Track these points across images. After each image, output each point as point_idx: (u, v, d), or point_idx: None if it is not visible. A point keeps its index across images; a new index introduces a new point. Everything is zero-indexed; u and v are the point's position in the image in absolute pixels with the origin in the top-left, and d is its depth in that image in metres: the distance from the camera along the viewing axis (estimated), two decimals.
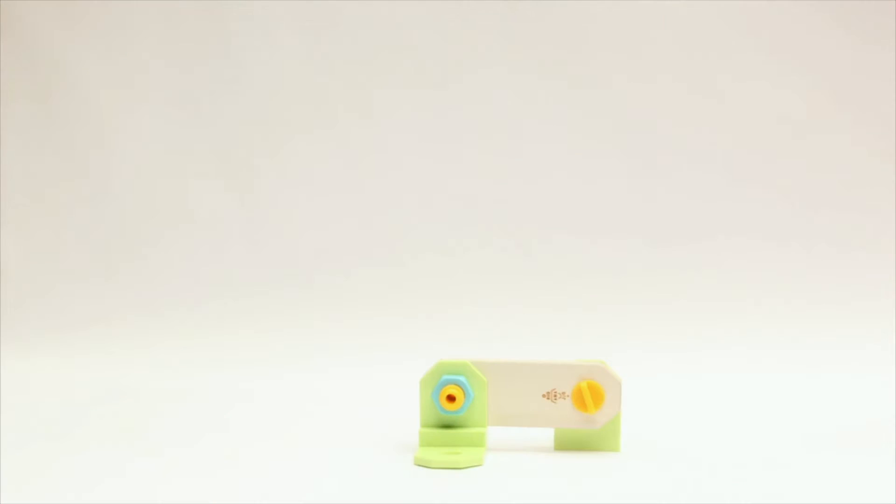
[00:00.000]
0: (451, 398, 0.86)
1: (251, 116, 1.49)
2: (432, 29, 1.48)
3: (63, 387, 1.11)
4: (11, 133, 1.47)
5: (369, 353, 1.25)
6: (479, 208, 1.45)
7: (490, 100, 1.48)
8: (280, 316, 1.38)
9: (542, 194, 1.46)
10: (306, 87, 1.48)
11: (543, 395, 0.86)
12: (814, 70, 1.43)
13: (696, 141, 1.45)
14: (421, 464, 0.83)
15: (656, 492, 0.78)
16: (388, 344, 1.28)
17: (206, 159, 1.49)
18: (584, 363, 0.85)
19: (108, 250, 1.45)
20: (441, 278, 1.41)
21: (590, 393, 0.85)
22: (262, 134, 1.49)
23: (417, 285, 1.39)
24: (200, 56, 1.49)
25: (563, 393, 0.86)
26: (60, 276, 1.43)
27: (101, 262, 1.44)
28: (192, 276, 1.43)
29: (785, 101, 1.44)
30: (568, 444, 0.87)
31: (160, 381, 1.13)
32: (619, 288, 1.36)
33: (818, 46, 1.44)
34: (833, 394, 1.11)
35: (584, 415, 0.86)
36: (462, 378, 0.86)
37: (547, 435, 0.89)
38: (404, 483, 0.80)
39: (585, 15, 1.46)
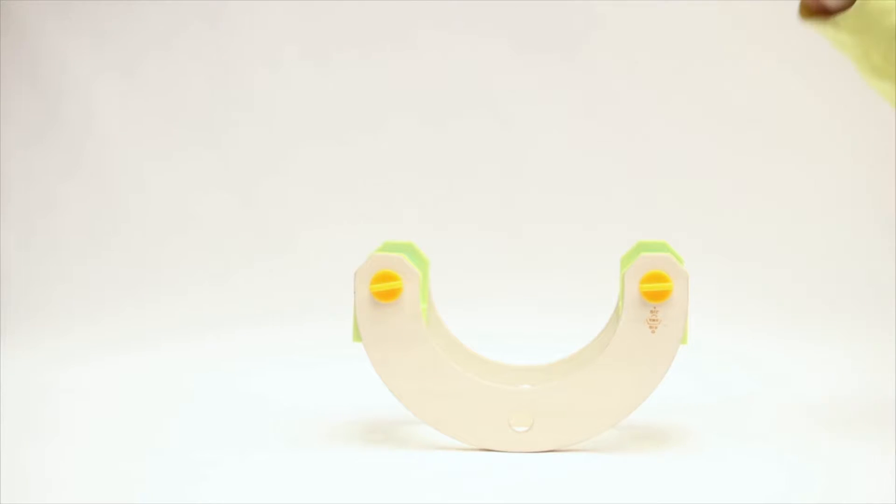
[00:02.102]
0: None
1: (253, 117, 1.50)
2: (435, 34, 1.49)
3: (63, 387, 1.11)
4: (11, 133, 1.48)
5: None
6: (476, 208, 1.46)
7: (493, 101, 1.48)
8: (281, 317, 1.37)
9: (541, 193, 1.47)
10: (308, 92, 1.49)
11: None
12: (817, 70, 1.44)
13: (695, 140, 1.46)
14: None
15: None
16: None
17: (208, 160, 1.49)
18: None
19: (109, 250, 1.46)
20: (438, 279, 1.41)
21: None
22: (266, 136, 1.50)
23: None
24: (202, 56, 1.50)
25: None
26: (61, 276, 1.42)
27: (101, 263, 1.44)
28: (194, 277, 1.44)
29: (787, 100, 1.45)
30: None
31: (162, 381, 1.13)
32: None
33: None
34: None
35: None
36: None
37: None
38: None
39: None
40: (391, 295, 0.85)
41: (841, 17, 0.83)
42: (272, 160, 1.49)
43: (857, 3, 0.82)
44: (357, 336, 0.87)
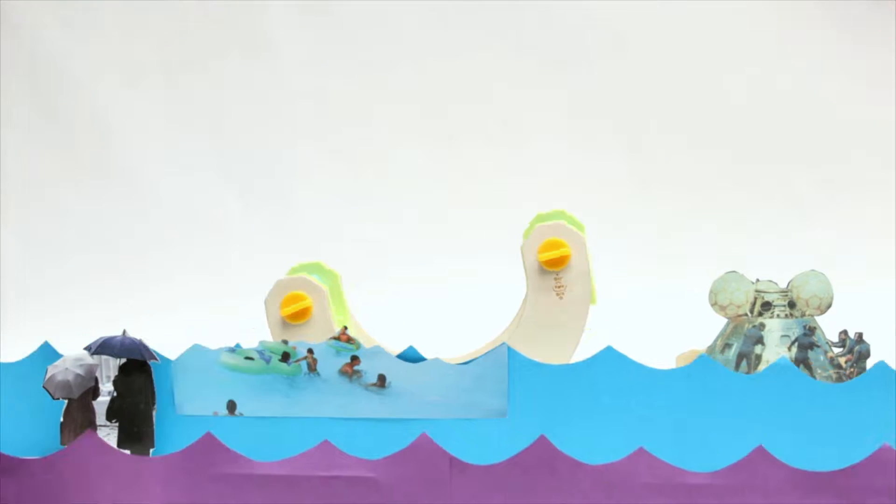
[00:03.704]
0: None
1: (254, 117, 1.50)
2: (433, 31, 1.49)
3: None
4: (11, 133, 1.48)
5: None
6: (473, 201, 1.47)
7: (491, 95, 1.49)
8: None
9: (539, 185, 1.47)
10: (304, 83, 1.50)
11: None
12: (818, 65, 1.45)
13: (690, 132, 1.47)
14: None
15: None
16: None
17: (208, 158, 1.49)
18: None
19: (109, 250, 1.46)
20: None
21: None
22: (265, 135, 1.50)
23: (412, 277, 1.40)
24: (202, 55, 1.50)
25: None
26: (60, 276, 1.43)
27: (101, 262, 1.45)
28: (194, 276, 1.44)
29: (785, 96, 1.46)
30: None
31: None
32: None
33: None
34: None
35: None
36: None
37: None
38: None
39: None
40: (302, 315, 0.87)
41: None
42: (272, 157, 1.49)
43: None
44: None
